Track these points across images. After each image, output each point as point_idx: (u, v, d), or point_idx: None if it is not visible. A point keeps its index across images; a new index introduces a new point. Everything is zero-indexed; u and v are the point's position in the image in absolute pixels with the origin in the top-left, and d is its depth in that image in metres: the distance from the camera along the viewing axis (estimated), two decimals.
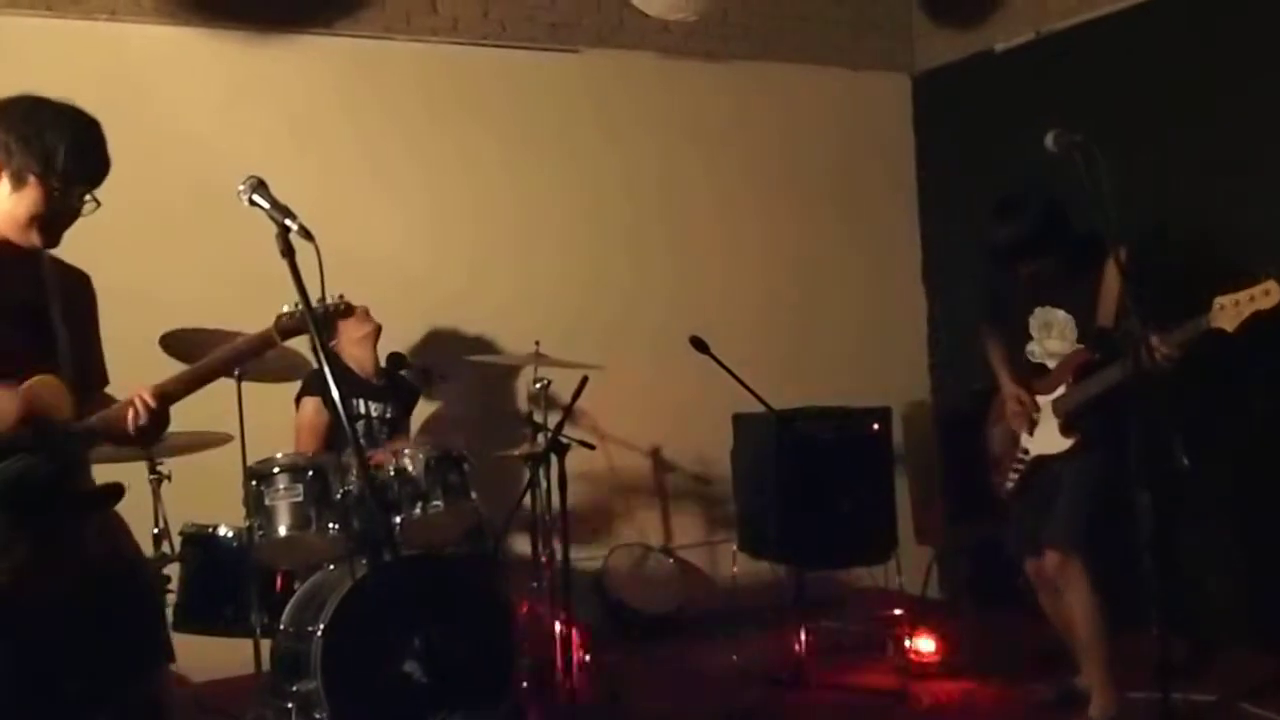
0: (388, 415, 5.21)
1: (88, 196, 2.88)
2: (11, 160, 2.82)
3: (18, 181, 2.83)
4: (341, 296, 3.16)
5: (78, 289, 3.07)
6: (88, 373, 2.99)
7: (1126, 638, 4.09)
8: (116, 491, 3.44)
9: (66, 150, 2.79)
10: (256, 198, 2.85)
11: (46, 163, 2.79)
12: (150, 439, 3.01)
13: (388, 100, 6.03)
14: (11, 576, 2.66)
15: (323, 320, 3.14)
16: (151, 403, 2.85)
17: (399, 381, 5.33)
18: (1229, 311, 3.80)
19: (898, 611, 5.78)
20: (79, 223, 2.94)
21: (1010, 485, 4.53)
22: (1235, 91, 5.33)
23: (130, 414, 2.85)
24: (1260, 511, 5.21)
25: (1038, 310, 4.49)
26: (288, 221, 2.72)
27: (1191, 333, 3.86)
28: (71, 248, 3.14)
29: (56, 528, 2.82)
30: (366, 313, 5.12)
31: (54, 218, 2.88)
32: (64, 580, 2.78)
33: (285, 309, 3.08)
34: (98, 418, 2.88)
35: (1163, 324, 3.80)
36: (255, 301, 3.47)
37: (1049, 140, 3.53)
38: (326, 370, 2.64)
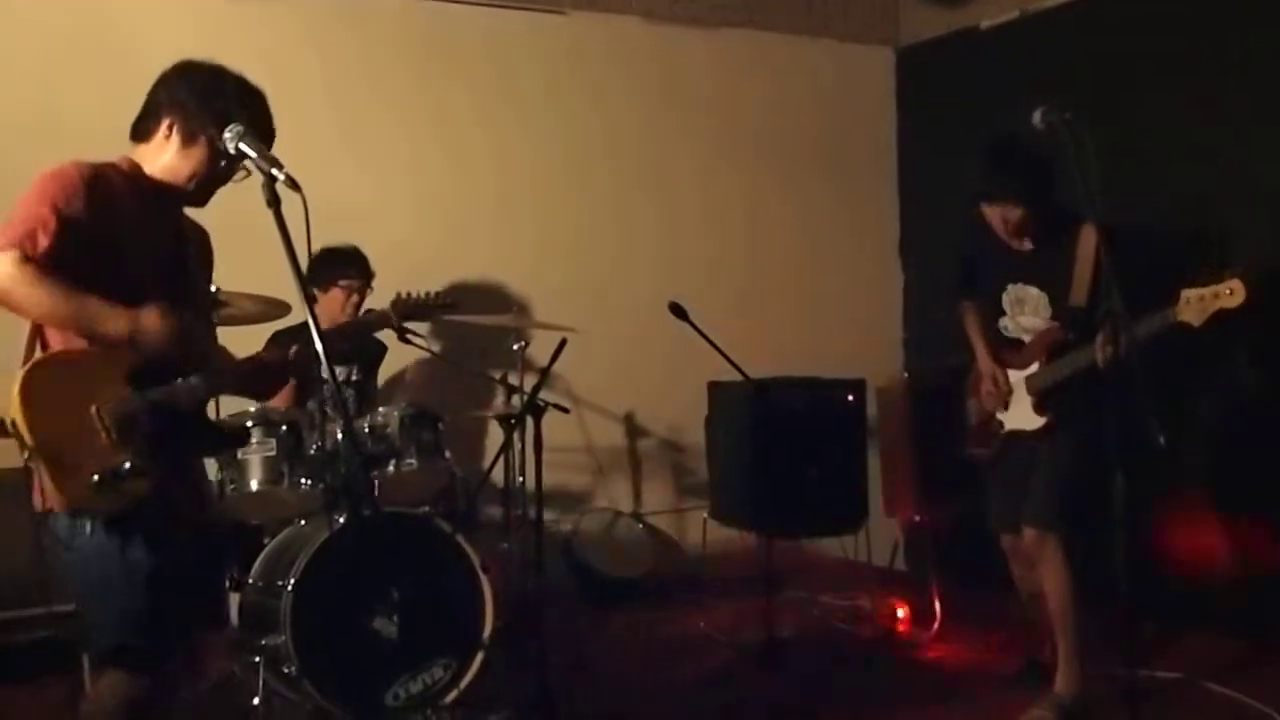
0: (353, 378, 5.16)
1: (242, 166, 2.97)
2: (189, 119, 2.93)
3: (189, 140, 2.94)
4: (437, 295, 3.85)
5: (204, 243, 3.23)
6: (208, 319, 3.17)
7: (1094, 615, 4.11)
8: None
9: (242, 119, 2.87)
10: (243, 145, 2.83)
11: (220, 127, 2.86)
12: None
13: (367, 59, 5.96)
14: (148, 492, 2.77)
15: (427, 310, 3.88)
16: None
17: (365, 343, 5.26)
18: (1194, 306, 3.79)
19: (866, 583, 5.83)
20: None
21: (987, 457, 4.54)
22: (1222, 71, 5.35)
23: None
24: (1233, 492, 5.25)
25: (1010, 287, 4.47)
26: (274, 171, 2.67)
27: (1158, 325, 3.85)
28: None
29: (185, 460, 3.01)
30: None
31: (212, 180, 3.00)
32: (185, 515, 2.96)
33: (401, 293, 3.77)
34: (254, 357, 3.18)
35: (1131, 311, 3.76)
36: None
37: (1036, 117, 3.47)
38: (315, 330, 2.60)
